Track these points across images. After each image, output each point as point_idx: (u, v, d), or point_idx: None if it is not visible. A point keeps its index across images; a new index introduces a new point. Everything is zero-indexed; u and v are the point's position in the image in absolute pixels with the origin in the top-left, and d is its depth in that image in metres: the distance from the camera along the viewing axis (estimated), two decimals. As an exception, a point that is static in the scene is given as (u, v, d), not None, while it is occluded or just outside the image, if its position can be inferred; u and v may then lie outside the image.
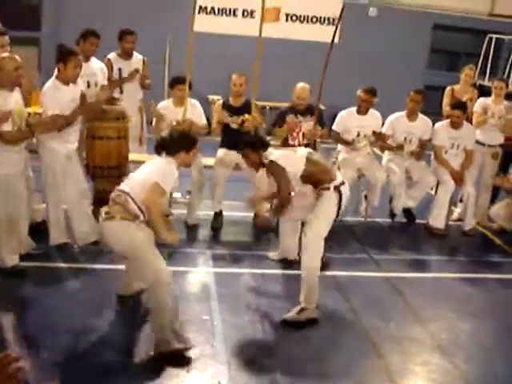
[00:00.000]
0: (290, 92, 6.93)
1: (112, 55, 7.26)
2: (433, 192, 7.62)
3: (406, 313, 5.20)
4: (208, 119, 6.84)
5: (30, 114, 5.66)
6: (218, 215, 6.84)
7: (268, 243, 6.38)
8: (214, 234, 6.65)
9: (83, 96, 5.57)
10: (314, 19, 12.26)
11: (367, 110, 7.11)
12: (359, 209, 7.46)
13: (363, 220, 7.40)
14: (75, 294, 4.98)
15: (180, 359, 4.11)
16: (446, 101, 8.06)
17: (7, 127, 4.86)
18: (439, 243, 7.02)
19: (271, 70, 10.31)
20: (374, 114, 7.21)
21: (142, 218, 4.22)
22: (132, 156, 6.56)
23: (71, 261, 5.59)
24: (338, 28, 6.62)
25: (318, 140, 7.00)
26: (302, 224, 5.26)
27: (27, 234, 5.47)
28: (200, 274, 5.68)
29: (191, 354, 4.18)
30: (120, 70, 7.24)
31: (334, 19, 6.95)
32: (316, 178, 4.92)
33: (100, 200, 6.14)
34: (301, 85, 6.86)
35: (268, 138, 7.41)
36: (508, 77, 12.09)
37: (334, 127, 7.23)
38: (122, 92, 7.24)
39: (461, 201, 7.66)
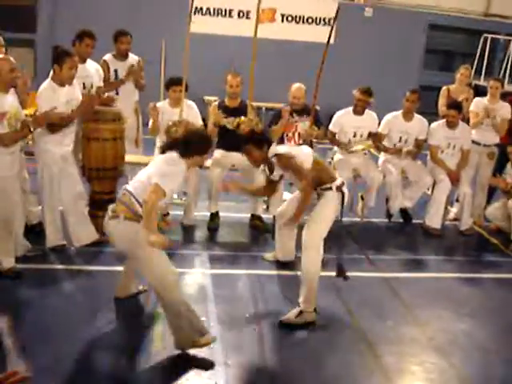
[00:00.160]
0: (286, 93, 6.94)
1: (108, 56, 7.24)
2: (429, 192, 7.63)
3: (403, 313, 5.20)
4: (204, 120, 6.83)
5: (26, 115, 5.65)
6: (215, 216, 6.84)
7: (264, 244, 6.37)
8: (210, 235, 6.64)
9: (87, 96, 5.58)
10: (310, 20, 12.44)
11: (363, 110, 7.13)
12: (355, 209, 7.46)
13: (359, 220, 7.41)
14: (72, 296, 4.98)
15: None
16: (441, 101, 8.07)
17: (2, 129, 4.85)
18: (436, 243, 7.02)
19: (267, 71, 10.35)
20: (370, 115, 7.23)
21: None
22: (128, 157, 6.56)
23: (68, 263, 5.57)
24: (334, 28, 6.60)
25: (314, 140, 7.01)
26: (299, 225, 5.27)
27: (23, 236, 5.47)
28: (196, 275, 5.67)
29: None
30: (116, 71, 7.23)
31: (329, 20, 6.97)
32: (319, 177, 4.89)
33: (96, 201, 6.15)
34: (296, 85, 6.89)
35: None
36: (503, 76, 12.13)
37: (330, 127, 7.25)
38: (117, 93, 7.24)
39: (457, 201, 7.67)
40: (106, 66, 7.14)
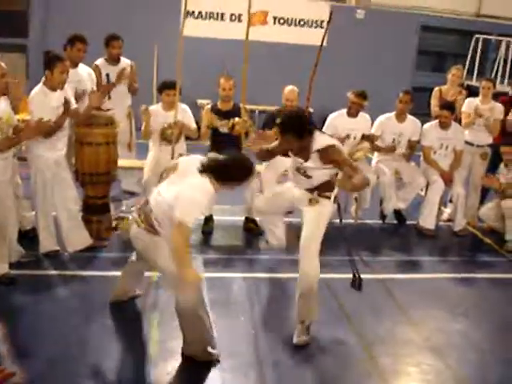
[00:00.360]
0: (279, 95, 6.94)
1: (100, 61, 7.25)
2: (423, 193, 7.65)
3: (398, 314, 5.20)
4: (197, 123, 6.82)
5: (19, 120, 5.63)
6: (209, 219, 6.82)
7: (259, 247, 6.35)
8: (204, 239, 6.63)
9: (67, 102, 5.53)
10: (302, 22, 12.46)
11: (358, 112, 7.13)
12: (350, 211, 7.46)
13: (354, 222, 7.41)
14: (66, 302, 4.96)
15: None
16: (433, 102, 8.09)
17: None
18: (430, 244, 7.03)
19: (260, 74, 10.35)
20: (363, 117, 7.24)
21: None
22: (121, 162, 6.55)
23: (61, 268, 5.55)
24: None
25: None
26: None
27: (17, 242, 5.45)
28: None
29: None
30: (108, 75, 7.24)
31: (321, 22, 6.95)
32: (332, 181, 4.65)
33: (90, 206, 6.14)
34: (289, 87, 6.89)
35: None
36: (495, 77, 12.17)
37: (324, 129, 7.24)
38: (109, 98, 7.23)
39: (450, 201, 7.69)
40: (97, 71, 7.15)
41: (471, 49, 12.90)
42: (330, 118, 7.25)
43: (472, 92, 8.66)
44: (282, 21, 12.28)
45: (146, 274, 5.50)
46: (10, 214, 5.21)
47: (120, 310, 4.84)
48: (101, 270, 5.56)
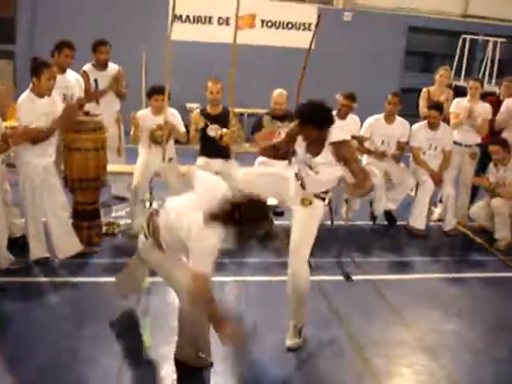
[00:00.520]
0: (268, 98, 6.95)
1: (87, 67, 7.23)
2: (413, 193, 7.67)
3: (390, 315, 5.20)
4: (186, 127, 6.81)
5: (7, 127, 5.61)
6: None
7: (249, 250, 6.34)
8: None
9: (69, 105, 5.53)
10: (290, 25, 12.46)
11: (347, 114, 7.14)
12: (340, 212, 7.46)
13: (344, 223, 7.41)
14: (57, 309, 4.93)
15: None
16: (422, 103, 8.11)
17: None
18: (420, 244, 7.05)
19: (248, 77, 10.35)
20: (353, 118, 7.25)
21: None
22: (111, 167, 6.53)
23: (52, 275, 5.52)
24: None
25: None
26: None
27: (7, 249, 5.42)
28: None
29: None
30: (96, 80, 7.23)
31: (309, 25, 6.94)
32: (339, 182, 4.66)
33: (79, 212, 6.11)
34: (278, 91, 6.92)
35: (246, 144, 7.45)
36: (483, 77, 12.22)
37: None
38: (98, 103, 7.21)
39: (440, 201, 7.70)
40: (85, 77, 7.13)
41: (458, 49, 12.95)
42: (320, 119, 7.25)
43: (460, 92, 8.69)
44: (269, 24, 12.27)
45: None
46: (0, 222, 5.19)
47: (111, 317, 4.81)
48: (92, 277, 5.54)
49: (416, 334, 4.91)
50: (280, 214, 7.00)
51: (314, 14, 6.99)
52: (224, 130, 6.50)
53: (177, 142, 6.81)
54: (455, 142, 7.51)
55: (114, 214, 7.09)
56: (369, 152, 7.39)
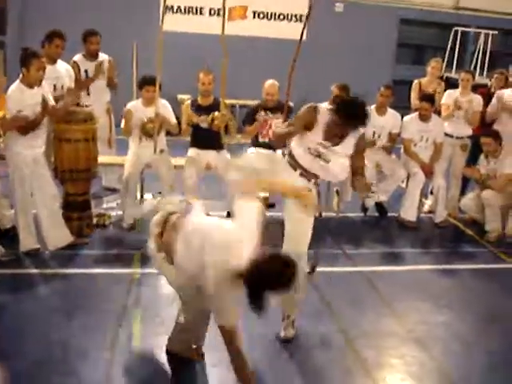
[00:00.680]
0: (260, 89, 6.93)
1: (78, 57, 7.19)
2: (404, 185, 7.68)
3: (381, 306, 5.21)
4: (178, 119, 6.79)
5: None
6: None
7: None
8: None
9: (44, 100, 5.46)
10: (282, 16, 12.42)
11: None
12: (331, 204, 7.46)
13: (335, 215, 7.41)
14: (47, 300, 4.91)
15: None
16: (413, 94, 8.11)
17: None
18: (412, 236, 7.07)
19: (240, 68, 10.31)
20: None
21: None
22: (101, 158, 6.50)
23: (42, 266, 5.50)
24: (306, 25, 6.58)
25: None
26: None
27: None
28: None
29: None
30: (86, 71, 7.20)
31: (301, 16, 6.92)
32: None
33: (70, 203, 6.09)
34: (270, 82, 6.91)
35: (238, 135, 7.45)
36: (474, 69, 12.24)
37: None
38: (88, 94, 7.18)
39: (431, 193, 7.73)
40: (76, 67, 7.10)
41: (450, 41, 12.96)
42: (313, 110, 7.25)
43: (451, 84, 8.70)
44: (261, 15, 12.23)
45: (128, 271, 5.51)
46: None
47: (102, 308, 4.80)
48: (82, 268, 5.52)
49: (407, 325, 4.92)
50: (271, 206, 6.99)
51: (306, 5, 6.94)
52: (216, 113, 6.49)
53: (168, 133, 6.79)
54: (446, 134, 7.52)
55: (104, 206, 7.07)
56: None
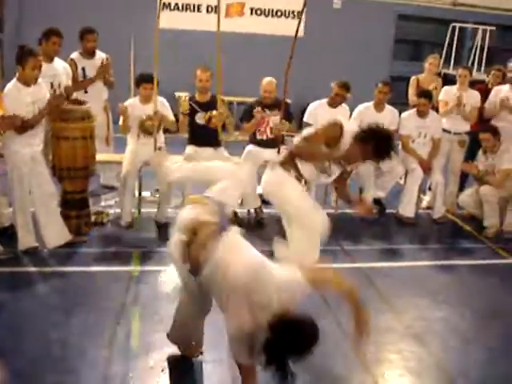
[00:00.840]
0: (257, 86, 6.93)
1: (75, 55, 7.18)
2: (402, 181, 7.68)
3: (380, 302, 5.21)
4: (175, 116, 6.79)
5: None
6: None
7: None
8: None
9: (55, 95, 5.48)
10: (279, 13, 12.40)
11: (339, 103, 7.17)
12: (330, 200, 7.47)
13: (334, 211, 7.41)
14: (46, 298, 4.91)
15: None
16: (411, 91, 8.11)
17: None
18: (410, 232, 7.07)
19: (238, 65, 10.32)
20: (343, 108, 7.27)
21: None
22: (99, 156, 6.50)
23: (41, 265, 5.49)
24: (303, 21, 6.58)
25: (286, 133, 7.01)
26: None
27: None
28: (172, 272, 5.61)
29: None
30: (84, 69, 7.18)
31: (298, 12, 6.91)
32: None
33: (68, 202, 6.08)
34: (267, 79, 6.91)
35: (236, 133, 7.45)
36: (472, 65, 12.23)
37: (305, 119, 7.26)
38: (86, 92, 7.17)
39: (429, 189, 7.74)
40: (73, 65, 7.09)
41: (448, 37, 12.95)
42: (311, 106, 7.27)
43: (449, 80, 8.70)
44: (258, 12, 12.20)
45: (127, 268, 5.51)
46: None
47: (101, 306, 4.80)
48: (81, 266, 5.52)
49: (405, 321, 4.93)
50: (267, 202, 6.99)
51: (303, 1, 6.93)
52: (214, 112, 6.50)
53: (166, 131, 6.80)
54: (444, 130, 7.53)
55: (103, 204, 7.07)
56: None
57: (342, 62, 11.77)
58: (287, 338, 2.95)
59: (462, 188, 7.89)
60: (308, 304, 4.91)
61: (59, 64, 6.70)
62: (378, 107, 7.33)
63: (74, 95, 6.80)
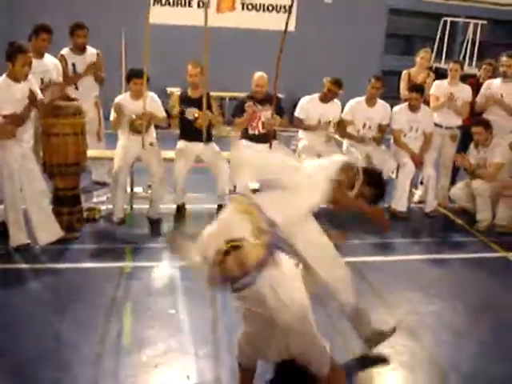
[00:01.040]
0: (249, 82, 6.91)
1: (65, 51, 7.16)
2: (394, 176, 7.69)
3: (372, 297, 5.21)
4: (166, 111, 6.77)
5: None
6: (181, 208, 6.79)
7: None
8: (176, 227, 6.58)
9: (32, 93, 5.44)
10: (270, 8, 12.35)
11: (331, 99, 7.18)
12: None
13: (326, 206, 7.40)
14: (38, 295, 4.90)
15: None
16: (402, 85, 8.12)
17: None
18: (402, 226, 7.07)
19: (229, 60, 10.31)
20: (335, 103, 7.29)
21: None
22: (91, 152, 6.48)
23: (33, 261, 5.48)
24: (294, 16, 6.58)
25: (278, 128, 7.02)
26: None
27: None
28: (165, 268, 5.62)
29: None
30: (74, 65, 7.16)
31: (289, 7, 6.90)
32: None
33: (59, 198, 6.06)
34: (259, 74, 6.92)
35: (228, 128, 7.43)
36: (463, 59, 12.26)
37: (296, 114, 7.27)
38: (77, 88, 7.15)
39: (421, 183, 7.74)
40: (63, 61, 7.07)
41: (439, 31, 12.97)
42: (302, 101, 7.30)
43: (440, 74, 8.71)
44: (250, 7, 12.15)
45: (119, 264, 5.50)
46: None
47: (93, 302, 4.79)
48: (73, 262, 5.50)
49: (397, 315, 4.93)
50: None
51: (294, -4, 6.93)
52: (199, 112, 6.49)
53: (157, 126, 6.78)
54: (436, 124, 7.54)
55: (95, 200, 7.05)
56: (350, 137, 7.42)
57: (333, 57, 11.78)
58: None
59: (453, 182, 7.91)
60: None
61: (49, 60, 6.68)
62: (370, 102, 7.34)
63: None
